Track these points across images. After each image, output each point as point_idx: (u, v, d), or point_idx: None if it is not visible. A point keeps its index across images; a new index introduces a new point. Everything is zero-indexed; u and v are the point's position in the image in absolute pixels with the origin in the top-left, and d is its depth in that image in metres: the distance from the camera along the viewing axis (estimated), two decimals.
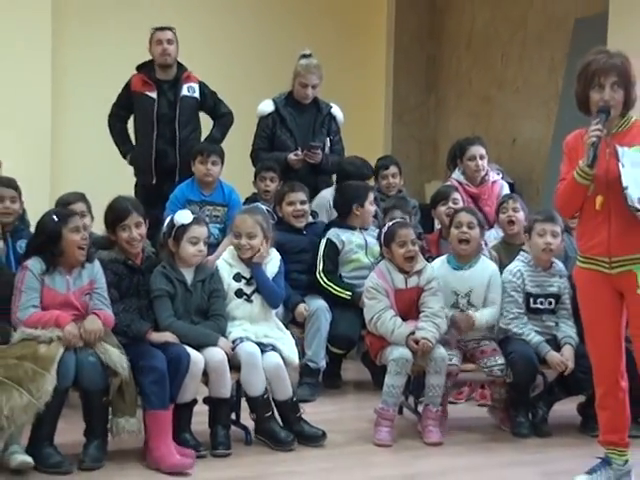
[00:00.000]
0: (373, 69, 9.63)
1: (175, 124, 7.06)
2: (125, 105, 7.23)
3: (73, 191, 5.82)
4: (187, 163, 6.87)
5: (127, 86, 7.18)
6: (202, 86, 7.20)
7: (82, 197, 5.73)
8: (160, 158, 7.06)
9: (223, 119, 7.28)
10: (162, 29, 7.14)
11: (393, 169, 7.03)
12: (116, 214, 5.08)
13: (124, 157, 7.26)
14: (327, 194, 6.84)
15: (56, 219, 4.84)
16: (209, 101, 7.23)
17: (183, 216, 5.21)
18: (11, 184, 5.76)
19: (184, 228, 5.15)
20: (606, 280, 4.45)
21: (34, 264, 4.79)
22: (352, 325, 6.08)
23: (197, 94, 7.16)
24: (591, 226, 4.45)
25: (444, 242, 6.16)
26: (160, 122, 7.04)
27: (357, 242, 6.30)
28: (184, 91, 7.10)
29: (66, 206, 5.55)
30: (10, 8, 8.13)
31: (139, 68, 7.18)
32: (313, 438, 5.15)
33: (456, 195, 6.41)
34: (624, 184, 4.27)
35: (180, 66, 7.17)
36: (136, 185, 7.20)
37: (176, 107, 7.07)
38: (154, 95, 7.07)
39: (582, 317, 4.64)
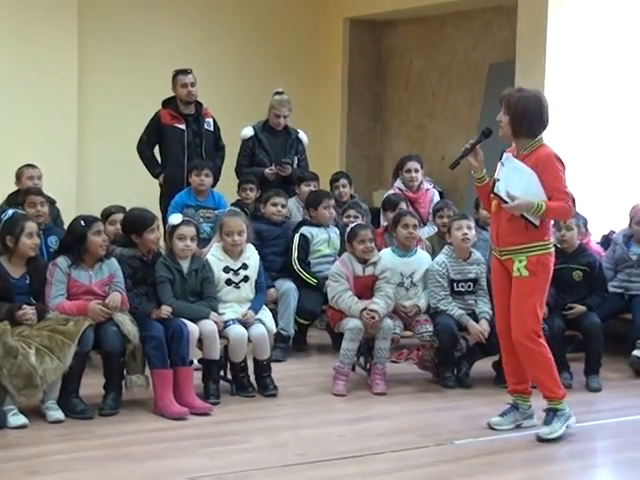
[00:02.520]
0: (331, 103, 9.64)
1: (201, 149, 6.90)
2: (154, 134, 6.96)
3: (116, 204, 5.77)
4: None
5: (156, 119, 6.93)
6: (214, 121, 7.08)
7: (123, 209, 5.68)
8: None
9: (220, 152, 7.12)
10: (184, 72, 6.89)
11: (343, 181, 6.99)
12: (142, 221, 5.03)
13: (155, 177, 7.00)
14: (289, 203, 6.81)
15: (83, 224, 4.85)
16: (217, 134, 7.09)
17: (174, 218, 5.23)
18: (39, 192, 5.85)
19: (175, 228, 5.13)
20: (500, 263, 4.55)
21: (62, 261, 4.79)
22: (314, 302, 6.12)
23: (212, 127, 7.03)
24: (492, 221, 4.61)
25: (388, 236, 6.26)
26: (189, 148, 6.87)
27: (322, 237, 6.32)
28: (205, 125, 6.97)
29: (109, 216, 5.65)
30: (39, 42, 7.95)
31: (164, 103, 6.97)
32: (269, 389, 5.17)
33: (402, 205, 6.45)
34: (496, 176, 4.39)
35: (197, 102, 7.01)
36: (161, 196, 6.93)
37: (201, 136, 6.92)
38: (183, 127, 6.87)
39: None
